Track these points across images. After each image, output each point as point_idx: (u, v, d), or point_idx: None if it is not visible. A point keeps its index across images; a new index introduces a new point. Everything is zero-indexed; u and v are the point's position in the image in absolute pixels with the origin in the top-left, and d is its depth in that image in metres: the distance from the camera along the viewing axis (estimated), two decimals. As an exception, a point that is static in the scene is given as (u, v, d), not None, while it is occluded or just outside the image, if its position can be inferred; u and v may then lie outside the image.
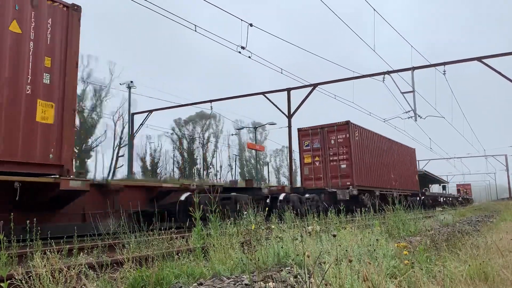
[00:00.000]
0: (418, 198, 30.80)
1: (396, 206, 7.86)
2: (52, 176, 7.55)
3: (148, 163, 57.71)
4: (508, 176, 67.00)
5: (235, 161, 67.22)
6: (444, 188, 63.14)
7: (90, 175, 34.15)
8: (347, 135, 21.86)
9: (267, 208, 6.44)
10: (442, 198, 45.71)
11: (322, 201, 17.99)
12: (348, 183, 21.26)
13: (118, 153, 44.04)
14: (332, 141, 22.27)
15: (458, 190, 75.63)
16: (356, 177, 21.75)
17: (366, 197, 20.81)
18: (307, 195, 17.04)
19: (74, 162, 7.89)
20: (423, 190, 39.62)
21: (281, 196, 15.18)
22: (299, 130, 23.26)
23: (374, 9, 17.27)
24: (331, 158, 22.31)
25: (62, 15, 8.01)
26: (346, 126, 21.98)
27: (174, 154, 61.53)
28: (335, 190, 19.89)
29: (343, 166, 21.83)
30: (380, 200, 18.79)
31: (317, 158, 22.54)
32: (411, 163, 33.13)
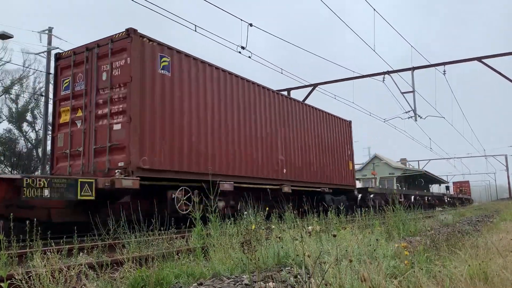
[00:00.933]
0: (344, 196, 19.61)
1: (396, 206, 7.86)
2: None
3: (148, 163, 57.71)
4: (508, 176, 67.01)
5: (235, 161, 67.10)
6: (447, 188, 63.10)
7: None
8: (128, 60, 9.88)
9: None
10: (427, 198, 36.72)
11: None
12: (121, 164, 9.59)
13: (118, 153, 43.98)
14: (104, 76, 10.33)
15: (452, 188, 71.89)
16: (141, 150, 9.75)
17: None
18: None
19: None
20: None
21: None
22: (58, 57, 11.56)
23: (374, 9, 17.26)
24: (99, 112, 10.28)
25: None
26: (127, 41, 9.98)
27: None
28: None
29: (116, 128, 9.89)
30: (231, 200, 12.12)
31: (79, 113, 10.63)
32: (338, 142, 19.87)
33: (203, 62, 12.05)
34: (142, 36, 10.27)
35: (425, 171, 53.31)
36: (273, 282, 3.21)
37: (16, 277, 3.22)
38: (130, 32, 10.04)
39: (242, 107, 13.44)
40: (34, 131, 37.89)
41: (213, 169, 10.85)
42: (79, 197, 8.34)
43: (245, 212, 5.77)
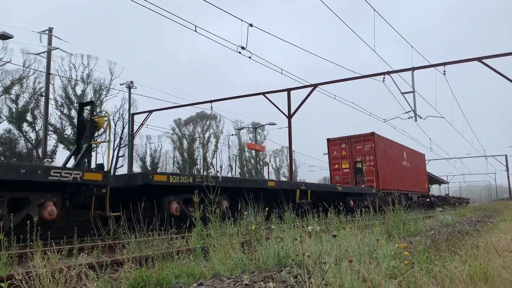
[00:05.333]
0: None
1: (396, 207, 7.86)
2: None
3: (148, 163, 57.74)
4: (508, 176, 67.05)
5: (235, 161, 67.23)
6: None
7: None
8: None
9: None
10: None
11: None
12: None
13: (118, 153, 44.06)
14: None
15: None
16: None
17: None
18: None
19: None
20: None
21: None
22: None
23: (374, 9, 17.28)
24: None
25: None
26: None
27: (174, 154, 61.56)
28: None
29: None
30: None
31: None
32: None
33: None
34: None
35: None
36: (273, 282, 3.21)
37: (16, 277, 3.22)
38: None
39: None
40: (34, 131, 37.90)
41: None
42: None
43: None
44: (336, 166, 26.22)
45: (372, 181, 24.47)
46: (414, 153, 34.13)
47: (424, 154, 37.90)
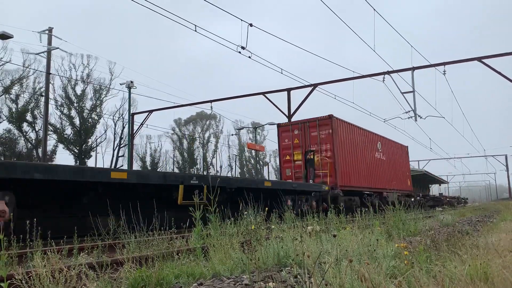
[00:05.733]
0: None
1: (396, 207, 7.86)
2: None
3: (148, 163, 57.76)
4: (508, 176, 67.06)
5: (235, 161, 67.24)
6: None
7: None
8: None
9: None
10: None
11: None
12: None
13: (118, 153, 44.09)
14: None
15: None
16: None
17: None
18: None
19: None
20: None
21: None
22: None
23: (374, 9, 17.28)
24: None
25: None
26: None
27: (174, 154, 61.58)
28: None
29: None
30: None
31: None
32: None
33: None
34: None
35: (425, 171, 53.31)
36: (273, 282, 3.21)
37: (16, 277, 3.22)
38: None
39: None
40: (34, 131, 37.89)
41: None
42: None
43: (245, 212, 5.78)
44: (287, 157, 20.21)
45: (329, 175, 18.98)
46: (394, 144, 27.98)
47: (407, 147, 31.33)
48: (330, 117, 19.29)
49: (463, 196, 76.40)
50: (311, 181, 17.38)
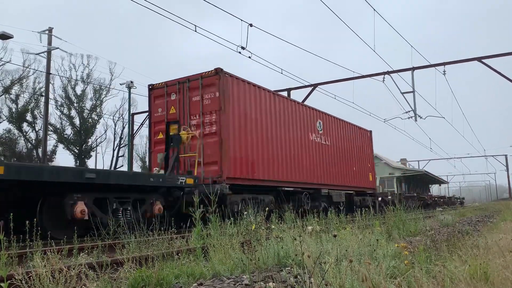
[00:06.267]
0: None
1: (396, 207, 7.86)
2: None
3: (148, 163, 57.72)
4: (508, 176, 67.00)
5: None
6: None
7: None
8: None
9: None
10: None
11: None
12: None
13: (118, 153, 44.06)
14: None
15: None
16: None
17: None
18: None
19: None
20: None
21: None
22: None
23: (374, 9, 17.26)
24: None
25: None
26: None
27: (174, 154, 61.47)
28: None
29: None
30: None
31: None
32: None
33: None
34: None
35: (425, 171, 53.33)
36: (273, 282, 3.21)
37: (16, 277, 3.21)
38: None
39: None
40: (34, 131, 37.88)
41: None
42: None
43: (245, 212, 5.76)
44: (160, 135, 13.52)
45: (215, 164, 12.20)
46: (347, 127, 20.66)
47: (370, 132, 23.67)
48: (218, 72, 12.43)
49: (464, 195, 76.08)
50: (175, 172, 11.28)
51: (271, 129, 14.43)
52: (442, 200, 48.42)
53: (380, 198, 24.62)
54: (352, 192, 20.31)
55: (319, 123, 17.86)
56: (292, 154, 15.42)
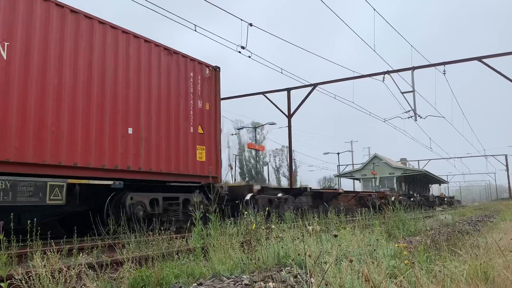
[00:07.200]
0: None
1: (396, 207, 7.86)
2: None
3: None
4: (508, 176, 66.92)
5: (235, 161, 67.23)
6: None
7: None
8: None
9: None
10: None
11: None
12: None
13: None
14: None
15: None
16: None
17: None
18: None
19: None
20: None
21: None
22: None
23: (374, 9, 17.25)
24: None
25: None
26: None
27: (174, 154, 61.47)
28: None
29: None
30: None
31: None
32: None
33: None
34: None
35: (425, 171, 53.33)
36: (273, 282, 3.20)
37: (16, 277, 3.21)
38: None
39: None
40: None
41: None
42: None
43: (245, 212, 5.77)
44: None
45: None
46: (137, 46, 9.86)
47: (218, 69, 12.24)
48: None
49: (464, 195, 75.64)
50: None
51: None
52: (440, 199, 47.37)
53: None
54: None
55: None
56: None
